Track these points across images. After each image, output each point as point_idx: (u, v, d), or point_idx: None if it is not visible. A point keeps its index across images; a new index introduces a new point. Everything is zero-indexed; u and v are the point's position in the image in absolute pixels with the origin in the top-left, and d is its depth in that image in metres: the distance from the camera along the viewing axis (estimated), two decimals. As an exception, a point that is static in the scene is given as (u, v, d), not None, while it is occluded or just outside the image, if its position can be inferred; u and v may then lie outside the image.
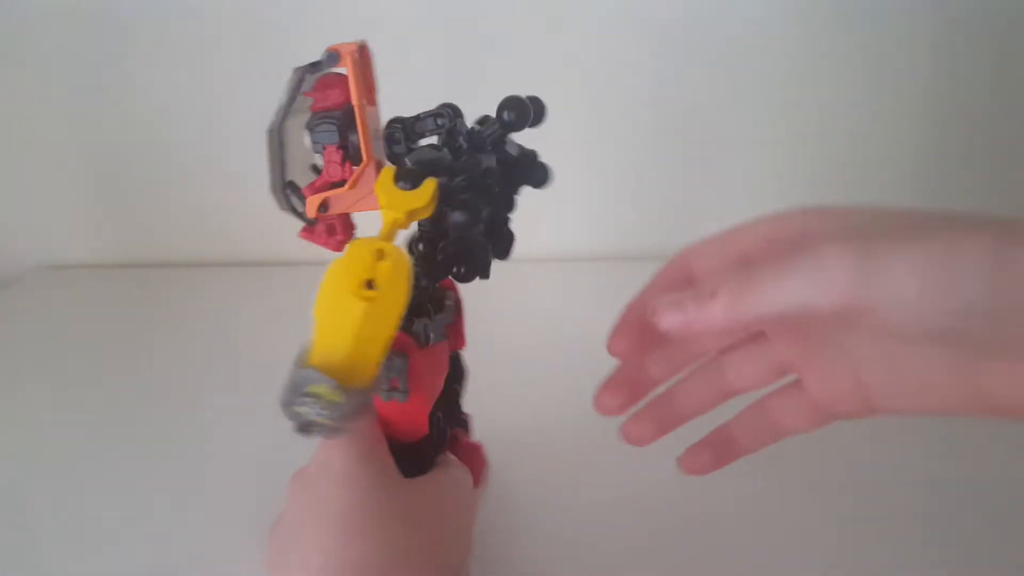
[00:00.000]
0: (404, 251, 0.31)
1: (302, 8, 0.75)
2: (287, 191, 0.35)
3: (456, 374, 0.44)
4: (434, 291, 0.39)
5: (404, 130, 0.36)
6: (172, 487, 0.48)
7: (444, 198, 0.34)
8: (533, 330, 0.65)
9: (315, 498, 0.34)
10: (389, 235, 0.32)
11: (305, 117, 0.35)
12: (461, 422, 0.47)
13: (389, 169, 0.34)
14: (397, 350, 0.36)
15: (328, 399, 0.28)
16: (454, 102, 0.36)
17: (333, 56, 0.32)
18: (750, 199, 0.85)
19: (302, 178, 0.36)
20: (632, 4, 0.76)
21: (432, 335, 0.38)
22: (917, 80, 0.80)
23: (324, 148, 0.34)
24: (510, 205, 0.38)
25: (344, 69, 0.33)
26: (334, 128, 0.34)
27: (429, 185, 0.33)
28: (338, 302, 0.30)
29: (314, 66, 0.33)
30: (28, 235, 0.86)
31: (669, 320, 0.28)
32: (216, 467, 0.49)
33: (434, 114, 0.35)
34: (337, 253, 0.35)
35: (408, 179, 0.33)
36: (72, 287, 0.83)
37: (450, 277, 0.40)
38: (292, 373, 0.29)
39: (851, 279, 0.25)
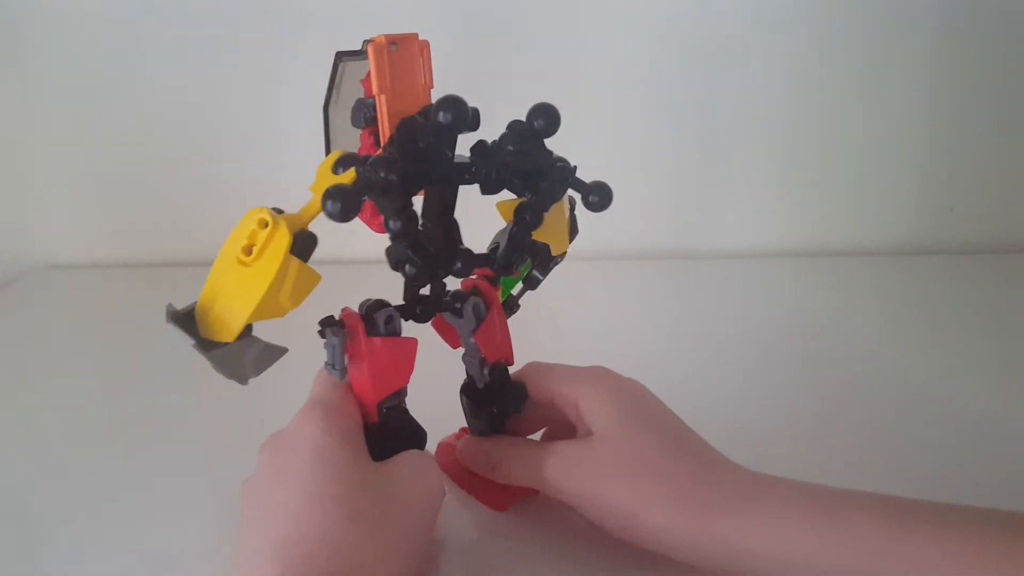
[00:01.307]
0: (286, 226, 0.31)
1: (303, 10, 0.77)
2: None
3: (497, 394, 0.43)
4: (440, 290, 0.40)
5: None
6: (172, 485, 0.48)
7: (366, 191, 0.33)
8: (544, 328, 0.66)
9: (287, 463, 0.35)
10: (302, 214, 0.33)
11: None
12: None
13: (336, 152, 0.35)
14: (337, 328, 0.37)
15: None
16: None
17: (367, 44, 0.33)
18: (757, 200, 0.87)
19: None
20: (650, 5, 0.78)
21: (384, 326, 0.38)
22: (920, 90, 0.82)
23: (360, 132, 0.36)
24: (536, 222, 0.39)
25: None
26: (360, 114, 0.35)
27: (347, 175, 0.33)
28: (221, 260, 0.32)
29: (352, 54, 0.34)
30: (28, 235, 0.86)
31: (463, 459, 0.45)
32: (217, 465, 0.49)
33: (428, 108, 0.36)
34: (378, 233, 0.37)
35: (343, 165, 0.33)
36: (72, 287, 0.82)
37: (482, 281, 0.41)
38: (168, 308, 0.32)
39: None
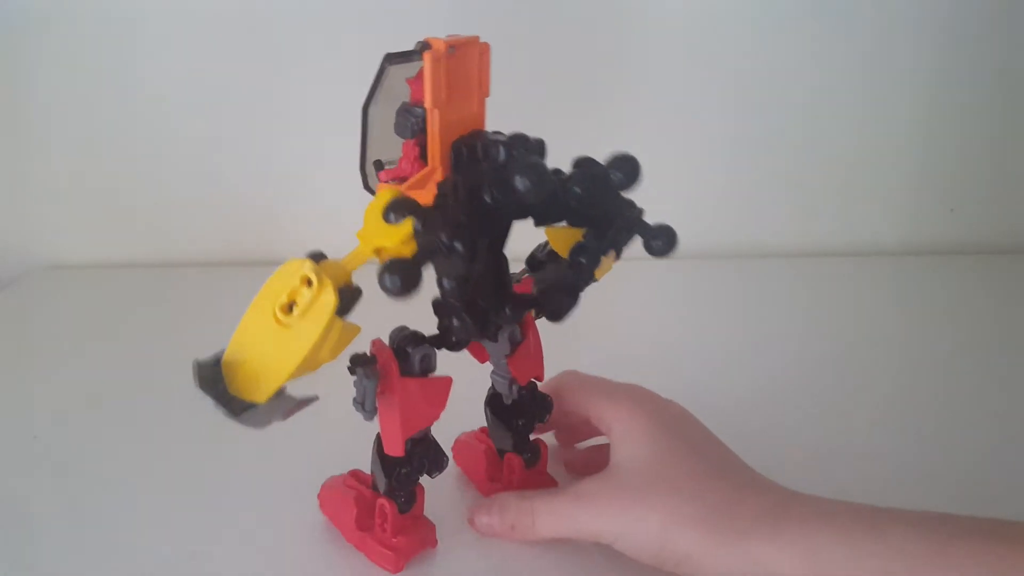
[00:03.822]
0: (332, 288, 0.29)
1: (305, 11, 0.76)
2: (365, 170, 0.35)
3: (523, 408, 0.42)
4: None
5: (468, 150, 0.34)
6: (171, 486, 0.48)
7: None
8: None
9: None
10: (346, 264, 0.30)
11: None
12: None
13: (387, 192, 0.32)
14: (370, 368, 0.34)
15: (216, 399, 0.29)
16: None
17: (422, 47, 0.31)
18: (757, 200, 0.87)
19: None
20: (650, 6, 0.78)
21: (420, 364, 0.36)
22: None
23: (405, 140, 0.34)
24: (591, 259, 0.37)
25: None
26: (407, 123, 0.33)
27: (402, 228, 0.30)
28: (256, 314, 0.30)
29: (403, 55, 0.32)
30: (28, 235, 0.85)
31: (479, 530, 0.42)
32: (216, 466, 0.49)
33: (492, 143, 0.34)
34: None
35: (396, 212, 0.31)
36: (72, 287, 0.81)
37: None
38: (194, 365, 0.30)
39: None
